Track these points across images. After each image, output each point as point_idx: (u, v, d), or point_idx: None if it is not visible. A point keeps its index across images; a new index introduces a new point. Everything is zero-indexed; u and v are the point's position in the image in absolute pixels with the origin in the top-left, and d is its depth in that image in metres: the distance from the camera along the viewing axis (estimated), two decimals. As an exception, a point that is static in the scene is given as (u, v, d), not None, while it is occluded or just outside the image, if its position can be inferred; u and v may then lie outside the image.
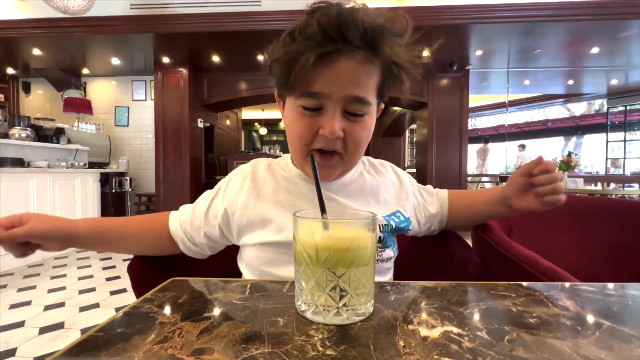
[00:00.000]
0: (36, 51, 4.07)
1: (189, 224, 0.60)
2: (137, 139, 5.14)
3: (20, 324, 1.75)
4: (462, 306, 0.36)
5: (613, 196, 3.62)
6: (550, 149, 9.30)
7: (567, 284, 0.43)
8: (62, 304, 2.02)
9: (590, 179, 5.13)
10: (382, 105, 0.56)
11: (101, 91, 5.14)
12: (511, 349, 0.27)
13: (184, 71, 4.41)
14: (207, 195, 0.63)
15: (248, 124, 9.94)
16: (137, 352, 0.27)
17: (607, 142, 7.67)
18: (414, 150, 7.54)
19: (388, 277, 0.61)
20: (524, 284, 0.43)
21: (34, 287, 2.31)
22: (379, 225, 0.57)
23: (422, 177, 4.69)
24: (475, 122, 10.13)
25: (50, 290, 2.25)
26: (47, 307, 1.97)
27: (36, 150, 3.48)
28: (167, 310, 0.35)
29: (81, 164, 3.79)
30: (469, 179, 5.75)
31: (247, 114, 8.89)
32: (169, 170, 4.50)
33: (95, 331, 0.30)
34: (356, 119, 0.50)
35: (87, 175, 3.63)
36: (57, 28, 3.56)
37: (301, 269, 0.35)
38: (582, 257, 0.95)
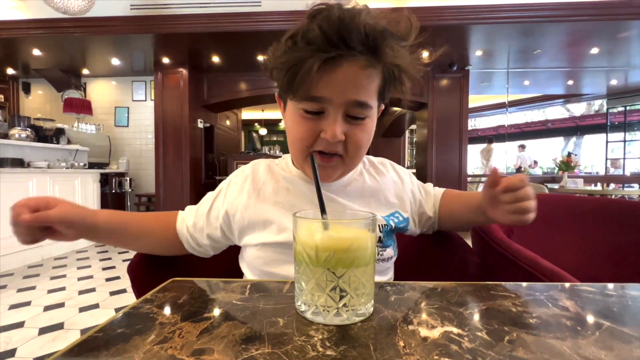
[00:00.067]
0: (36, 51, 4.07)
1: (193, 224, 0.60)
2: (137, 139, 5.14)
3: (20, 325, 1.75)
4: (462, 306, 0.36)
5: (613, 196, 3.62)
6: (550, 149, 9.30)
7: (567, 285, 0.43)
8: (61, 305, 2.02)
9: (590, 179, 5.13)
10: (383, 106, 0.56)
11: (101, 91, 5.14)
12: (511, 349, 0.27)
13: (184, 71, 4.41)
14: (209, 196, 0.64)
15: (248, 125, 9.94)
16: (137, 353, 0.27)
17: (607, 142, 7.67)
18: (414, 151, 7.54)
19: (388, 277, 0.61)
20: (524, 284, 0.43)
21: (33, 288, 2.31)
22: (379, 225, 0.58)
23: (422, 178, 4.67)
24: (475, 123, 10.13)
25: (50, 291, 2.25)
26: (47, 308, 1.97)
27: (36, 150, 3.48)
28: (167, 310, 0.35)
29: (81, 164, 3.79)
30: (469, 179, 5.74)
31: (247, 114, 8.89)
32: (168, 170, 4.50)
33: (95, 332, 0.30)
34: (357, 122, 0.50)
35: (87, 175, 3.63)
36: (57, 28, 3.56)
37: (301, 270, 0.35)
38: (582, 257, 0.95)
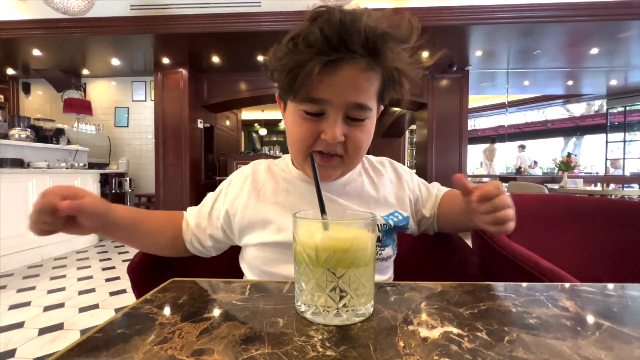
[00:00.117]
0: (36, 52, 4.08)
1: (196, 225, 0.61)
2: (137, 139, 5.14)
3: (20, 325, 1.75)
4: (462, 307, 0.36)
5: (613, 197, 3.62)
6: (550, 149, 9.31)
7: (567, 285, 0.43)
8: (61, 305, 2.02)
9: (590, 179, 5.13)
10: (382, 107, 0.57)
11: (101, 92, 5.15)
12: (511, 349, 0.27)
13: (184, 72, 4.41)
14: (210, 197, 0.64)
15: (248, 125, 9.94)
16: (137, 353, 0.27)
17: (607, 142, 7.68)
18: (414, 151, 7.55)
19: (387, 275, 0.61)
20: (524, 284, 0.43)
21: (33, 288, 2.31)
22: (377, 224, 0.58)
23: (422, 178, 4.69)
24: (475, 123, 10.14)
25: (49, 291, 2.25)
26: (47, 308, 1.97)
27: (36, 150, 3.48)
28: (167, 311, 0.35)
29: (81, 164, 3.79)
30: (469, 179, 5.74)
31: (247, 114, 8.89)
32: (168, 170, 4.50)
33: (95, 332, 0.30)
34: (357, 124, 0.50)
35: (86, 175, 3.63)
36: (57, 29, 3.56)
37: (301, 270, 0.35)
38: (582, 257, 0.95)
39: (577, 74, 5.21)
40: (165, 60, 4.30)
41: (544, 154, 8.57)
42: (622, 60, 4.51)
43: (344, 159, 0.53)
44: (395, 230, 0.61)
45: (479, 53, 4.11)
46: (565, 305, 0.36)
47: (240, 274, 0.63)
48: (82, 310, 1.95)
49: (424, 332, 0.30)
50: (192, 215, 0.62)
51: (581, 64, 4.63)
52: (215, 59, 4.26)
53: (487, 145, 7.37)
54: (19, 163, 3.09)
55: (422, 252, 0.76)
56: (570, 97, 7.27)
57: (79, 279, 2.51)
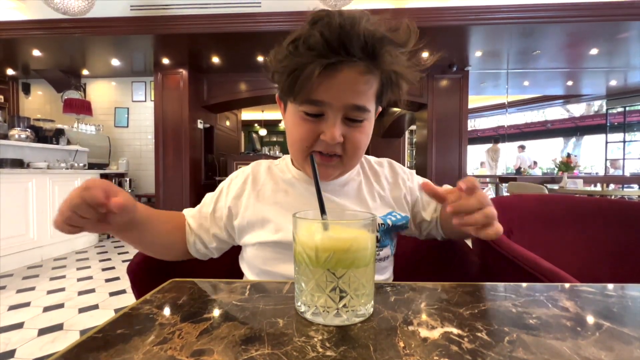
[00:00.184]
0: (36, 52, 4.08)
1: (198, 226, 0.61)
2: (137, 140, 5.14)
3: (20, 325, 1.75)
4: (462, 307, 0.36)
5: (612, 197, 3.63)
6: (550, 149, 9.31)
7: (566, 285, 0.43)
8: (61, 305, 2.02)
9: (589, 179, 5.14)
10: (380, 108, 0.57)
11: (101, 92, 5.15)
12: (511, 349, 0.27)
13: (184, 72, 4.41)
14: (209, 197, 0.64)
15: (248, 125, 9.94)
16: (137, 354, 0.27)
17: (607, 143, 7.68)
18: (414, 151, 7.55)
19: (386, 275, 0.62)
20: (524, 284, 0.43)
21: (33, 289, 2.30)
22: None
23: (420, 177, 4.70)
24: (475, 123, 10.15)
25: (49, 292, 2.24)
26: (46, 309, 1.97)
27: (36, 151, 3.48)
28: (167, 311, 0.35)
29: (81, 164, 3.79)
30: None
31: (247, 115, 8.89)
32: (168, 171, 4.50)
33: (95, 332, 0.30)
34: (356, 125, 0.51)
35: (86, 176, 3.62)
36: (57, 29, 3.56)
37: (301, 270, 0.35)
38: (581, 257, 0.95)
39: (577, 74, 5.21)
40: (165, 61, 4.30)
41: (543, 154, 8.58)
42: (622, 60, 4.52)
43: (343, 159, 0.54)
44: (394, 230, 0.61)
45: (478, 53, 4.11)
46: (565, 305, 0.36)
47: (240, 275, 0.63)
48: (81, 310, 1.95)
49: (424, 332, 0.30)
50: (192, 217, 0.62)
51: (581, 64, 4.64)
52: (215, 60, 4.26)
53: (489, 145, 7.36)
54: (18, 163, 3.09)
55: (422, 252, 0.76)
56: (570, 97, 7.27)
57: (79, 280, 2.51)
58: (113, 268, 2.81)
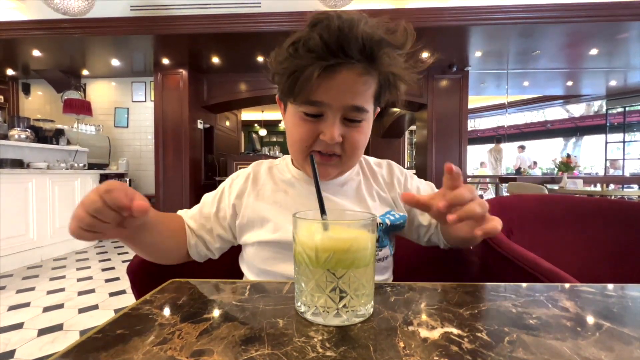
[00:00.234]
0: (36, 52, 4.08)
1: (199, 227, 0.60)
2: (137, 140, 5.14)
3: (19, 326, 1.75)
4: (462, 307, 0.36)
5: (612, 197, 3.63)
6: (550, 150, 9.32)
7: (567, 285, 0.43)
8: (61, 306, 2.01)
9: (589, 180, 5.14)
10: (378, 109, 0.58)
11: (101, 92, 5.15)
12: (511, 350, 0.27)
13: (184, 72, 4.41)
14: (211, 198, 0.64)
15: (248, 125, 9.94)
16: (137, 354, 0.27)
17: (606, 143, 7.68)
18: (414, 152, 7.54)
19: (385, 276, 0.62)
20: (524, 285, 0.43)
21: (32, 289, 2.30)
22: None
23: (422, 179, 4.70)
24: (475, 124, 10.15)
25: (49, 292, 2.24)
26: (46, 309, 1.97)
27: (36, 151, 3.47)
28: (167, 311, 0.35)
29: (81, 165, 3.79)
30: (469, 179, 5.75)
31: (247, 115, 8.89)
32: (168, 171, 4.50)
33: (94, 333, 0.30)
34: (354, 125, 0.52)
35: (86, 176, 3.62)
36: (57, 29, 3.56)
37: (301, 270, 0.35)
38: (581, 258, 0.95)
39: (577, 74, 5.21)
40: (165, 61, 4.30)
41: (543, 155, 8.58)
42: (622, 61, 4.52)
43: (342, 158, 0.55)
44: (392, 230, 0.61)
45: (478, 54, 4.11)
46: (565, 305, 0.36)
47: (239, 275, 0.63)
48: (81, 311, 1.95)
49: (424, 332, 0.30)
50: (191, 219, 0.61)
51: (581, 64, 4.64)
52: (215, 60, 4.26)
53: (491, 145, 7.36)
54: (18, 164, 3.09)
55: (422, 252, 0.76)
56: (569, 97, 7.27)
57: (79, 280, 2.50)
58: (113, 268, 2.81)
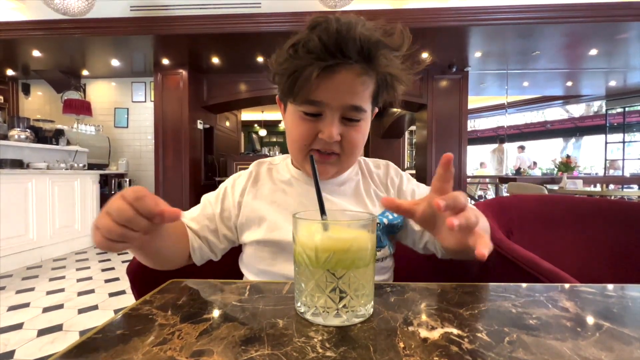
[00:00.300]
0: (36, 53, 4.08)
1: (203, 229, 0.59)
2: (137, 140, 5.14)
3: (19, 326, 1.74)
4: (462, 307, 0.36)
5: (612, 197, 3.63)
6: (550, 150, 9.32)
7: (566, 285, 0.43)
8: (60, 306, 2.01)
9: (589, 180, 5.14)
10: (376, 109, 0.59)
11: (101, 92, 5.15)
12: (511, 350, 0.27)
13: (184, 73, 4.42)
14: (213, 198, 0.63)
15: (248, 126, 9.94)
16: (136, 354, 0.27)
17: (606, 143, 7.68)
18: (414, 152, 7.55)
19: (385, 276, 0.62)
20: (524, 285, 0.43)
21: (32, 289, 2.30)
22: None
23: (421, 179, 4.69)
24: (475, 124, 10.16)
25: (48, 292, 2.24)
26: (46, 309, 1.96)
27: (35, 151, 3.47)
28: (167, 311, 0.35)
29: (80, 165, 3.79)
30: (469, 180, 5.75)
31: (247, 115, 8.89)
32: (168, 171, 4.50)
33: (94, 333, 0.30)
34: (352, 124, 0.54)
35: (86, 176, 3.62)
36: (56, 30, 3.56)
37: (301, 271, 0.35)
38: (581, 258, 0.95)
39: (576, 75, 5.22)
40: (165, 61, 4.30)
41: (543, 155, 8.58)
42: (621, 61, 4.52)
43: (341, 157, 0.56)
44: (390, 230, 0.61)
45: (478, 54, 4.12)
46: (565, 306, 0.36)
47: (239, 276, 0.63)
48: (81, 311, 1.94)
49: (424, 333, 0.30)
50: (193, 221, 0.59)
51: (580, 65, 4.64)
52: (215, 60, 4.26)
53: (494, 145, 7.35)
54: (18, 164, 3.09)
55: (422, 253, 0.76)
56: (569, 98, 7.28)
57: (78, 280, 2.50)
58: (113, 269, 2.81)
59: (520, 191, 3.56)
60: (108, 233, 0.34)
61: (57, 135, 3.91)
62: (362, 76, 0.50)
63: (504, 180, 4.79)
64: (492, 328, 0.31)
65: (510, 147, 7.55)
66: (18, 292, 2.25)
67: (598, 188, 4.57)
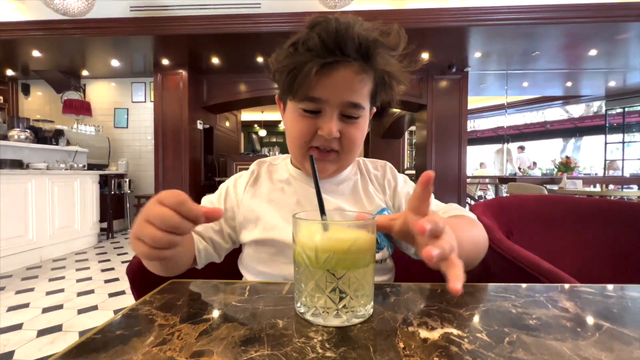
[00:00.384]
0: (36, 53, 4.08)
1: (207, 230, 0.59)
2: (137, 140, 5.14)
3: (18, 327, 1.74)
4: (462, 308, 0.36)
5: (612, 197, 3.63)
6: (549, 150, 9.32)
7: (566, 286, 0.43)
8: (60, 307, 2.01)
9: (589, 180, 5.14)
10: (374, 109, 0.60)
11: (100, 93, 5.14)
12: (511, 350, 0.27)
13: (184, 73, 4.42)
14: (215, 198, 0.64)
15: (247, 126, 9.94)
16: (136, 355, 0.27)
17: (606, 143, 7.69)
18: (414, 152, 7.55)
19: (385, 277, 0.61)
20: (524, 285, 0.43)
21: (32, 290, 2.30)
22: None
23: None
24: (474, 124, 10.16)
25: (48, 293, 2.24)
26: (45, 310, 1.96)
27: (35, 151, 3.47)
28: (166, 312, 0.35)
29: (80, 165, 3.79)
30: (469, 180, 5.75)
31: (247, 115, 8.89)
32: (168, 172, 4.50)
33: (94, 333, 0.30)
34: (351, 121, 0.54)
35: (86, 176, 3.62)
36: (56, 30, 3.56)
37: (301, 271, 0.35)
38: (581, 258, 0.95)
39: (576, 75, 5.22)
40: (165, 62, 4.30)
41: (543, 155, 8.59)
42: (621, 61, 4.53)
43: (340, 154, 0.56)
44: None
45: (478, 54, 4.12)
46: (565, 306, 0.36)
47: (238, 277, 0.63)
48: (81, 311, 1.94)
49: (424, 333, 0.30)
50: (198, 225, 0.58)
51: (580, 65, 4.64)
52: (215, 60, 4.26)
53: (499, 146, 7.35)
54: (18, 164, 3.09)
55: (422, 253, 0.76)
56: (569, 98, 7.28)
57: (78, 281, 2.50)
58: (112, 269, 2.81)
59: (520, 191, 3.56)
60: (155, 242, 0.33)
61: (56, 136, 3.91)
62: (361, 74, 0.51)
63: (503, 180, 4.79)
64: (492, 328, 0.31)
65: (510, 148, 7.55)
66: (18, 292, 2.25)
67: (598, 188, 4.57)
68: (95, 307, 2.00)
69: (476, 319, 0.33)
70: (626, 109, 7.22)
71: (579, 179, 4.02)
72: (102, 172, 4.06)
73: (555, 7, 3.27)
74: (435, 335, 0.30)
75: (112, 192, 4.25)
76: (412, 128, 7.33)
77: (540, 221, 1.00)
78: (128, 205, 4.69)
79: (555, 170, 4.35)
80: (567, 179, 3.87)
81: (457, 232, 0.37)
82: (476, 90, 5.82)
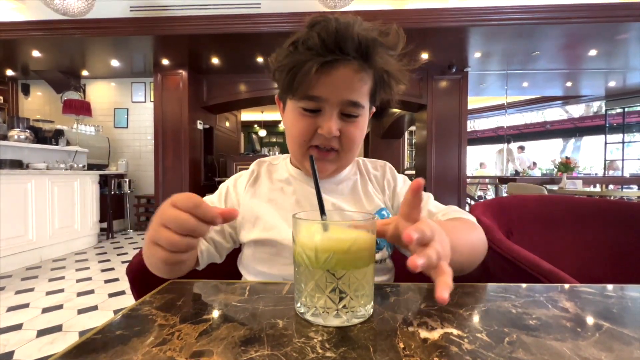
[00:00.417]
0: (36, 53, 4.07)
1: (211, 231, 0.58)
2: (136, 140, 5.14)
3: (18, 327, 1.74)
4: (462, 308, 0.36)
5: (612, 197, 3.63)
6: (549, 150, 9.33)
7: (566, 286, 0.43)
8: (60, 307, 2.01)
9: (589, 180, 5.14)
10: (374, 109, 0.60)
11: (100, 93, 5.14)
12: (511, 350, 0.27)
13: (184, 73, 4.41)
14: (215, 198, 0.64)
15: (247, 126, 9.94)
16: (136, 355, 0.27)
17: (606, 143, 7.69)
18: (413, 152, 7.55)
19: (385, 277, 0.62)
20: (524, 285, 0.43)
21: (32, 290, 2.30)
22: None
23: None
24: (474, 124, 10.16)
25: (48, 293, 2.24)
26: (45, 310, 1.96)
27: (35, 152, 3.47)
28: (166, 312, 0.35)
29: (80, 165, 3.79)
30: (468, 180, 5.75)
31: (247, 115, 8.89)
32: (168, 172, 4.50)
33: (94, 334, 0.30)
34: (351, 120, 0.54)
35: (86, 177, 3.62)
36: (56, 30, 3.56)
37: (301, 271, 0.35)
38: (581, 258, 0.95)
39: (576, 75, 5.22)
40: (165, 62, 4.30)
41: (543, 155, 8.59)
42: (621, 61, 4.53)
43: (340, 153, 0.56)
44: None
45: (478, 54, 4.12)
46: (565, 306, 0.36)
47: (238, 277, 0.63)
48: (80, 311, 1.94)
49: (424, 333, 0.30)
50: None
51: (580, 65, 4.64)
52: (215, 60, 4.26)
53: (500, 146, 7.34)
54: (18, 164, 3.09)
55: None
56: (569, 98, 7.28)
57: (78, 281, 2.50)
58: (112, 269, 2.81)
59: (520, 191, 3.56)
60: (173, 246, 0.33)
61: (56, 136, 3.91)
62: (360, 73, 0.51)
63: (503, 180, 4.79)
64: (492, 328, 0.31)
65: (512, 148, 7.55)
66: (17, 292, 2.25)
67: (598, 188, 4.57)
68: (95, 307, 2.00)
69: (476, 319, 0.33)
70: (626, 109, 7.22)
71: (579, 179, 4.02)
72: (102, 172, 4.06)
73: (555, 7, 3.27)
74: (435, 335, 0.30)
75: (112, 192, 4.25)
76: (412, 128, 7.33)
77: (540, 221, 1.00)
78: (128, 205, 4.69)
79: (555, 170, 4.35)
80: (567, 179, 3.87)
81: (454, 236, 0.38)
82: (476, 90, 5.82)
